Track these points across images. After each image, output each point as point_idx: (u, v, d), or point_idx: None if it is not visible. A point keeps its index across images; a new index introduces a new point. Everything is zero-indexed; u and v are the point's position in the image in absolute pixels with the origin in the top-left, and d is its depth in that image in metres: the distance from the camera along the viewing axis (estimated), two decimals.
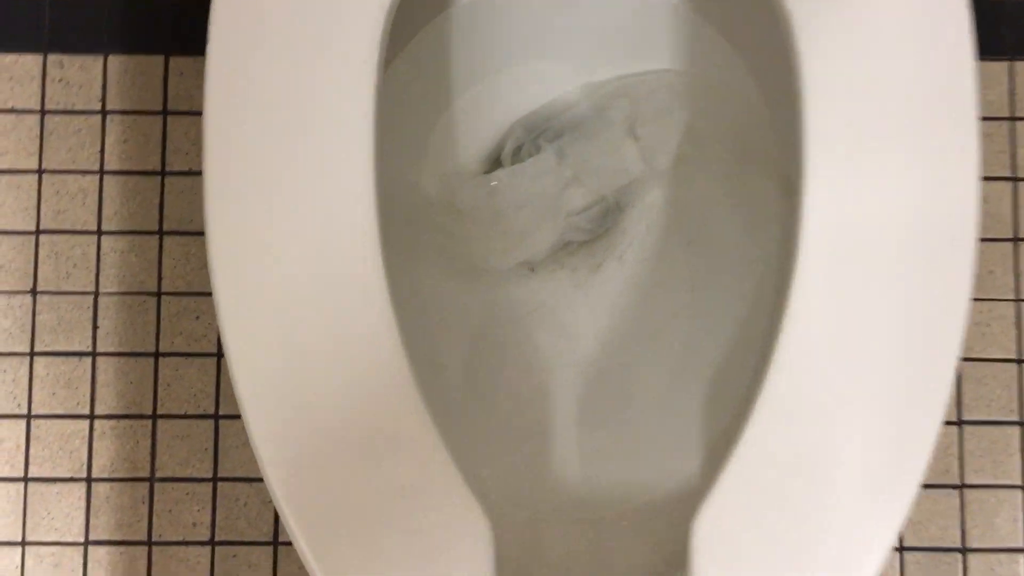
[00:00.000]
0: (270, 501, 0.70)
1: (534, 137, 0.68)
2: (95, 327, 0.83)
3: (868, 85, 0.54)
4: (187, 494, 0.82)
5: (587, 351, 0.66)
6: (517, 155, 0.68)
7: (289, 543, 0.78)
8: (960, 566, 0.83)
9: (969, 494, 0.84)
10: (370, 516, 0.51)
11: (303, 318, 0.52)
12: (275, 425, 0.51)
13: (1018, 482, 0.84)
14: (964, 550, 0.83)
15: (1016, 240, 0.86)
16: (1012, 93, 0.86)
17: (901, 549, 0.83)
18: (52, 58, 0.85)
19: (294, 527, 0.50)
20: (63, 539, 0.81)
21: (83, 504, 0.81)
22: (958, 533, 0.83)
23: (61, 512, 0.81)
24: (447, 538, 0.51)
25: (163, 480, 0.82)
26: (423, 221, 0.67)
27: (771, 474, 0.51)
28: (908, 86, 0.54)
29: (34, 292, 0.83)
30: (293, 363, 0.52)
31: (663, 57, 0.70)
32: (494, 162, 0.70)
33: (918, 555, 0.83)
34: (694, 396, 0.64)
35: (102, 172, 0.84)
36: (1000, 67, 0.87)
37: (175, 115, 0.85)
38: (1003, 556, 0.83)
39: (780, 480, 0.51)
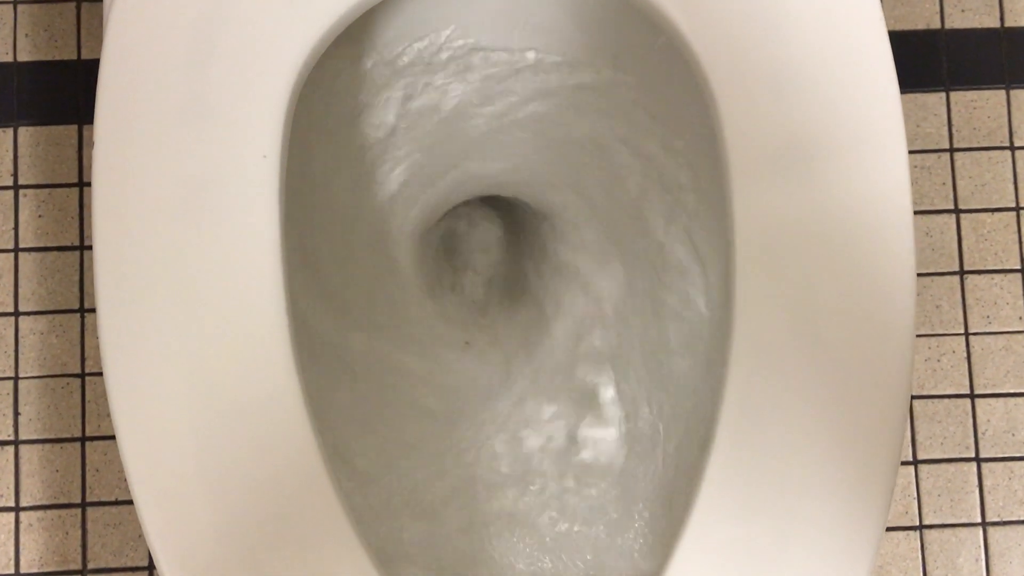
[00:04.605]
0: None
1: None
2: (16, 414, 0.79)
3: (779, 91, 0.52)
4: None
5: (522, 436, 0.63)
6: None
7: None
8: None
9: (929, 534, 0.82)
10: None
11: (207, 415, 0.49)
12: (180, 540, 0.48)
13: (977, 520, 0.82)
14: None
15: (962, 273, 0.84)
16: (950, 124, 0.85)
17: None
18: None
19: None
20: None
21: None
22: (920, 575, 0.82)
23: None
24: None
25: (96, 571, 0.78)
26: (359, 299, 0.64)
27: (717, 560, 0.50)
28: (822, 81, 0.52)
29: None
30: (202, 466, 0.49)
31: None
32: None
33: None
34: (646, 475, 0.61)
35: (17, 250, 0.81)
36: (937, 98, 0.85)
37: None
38: None
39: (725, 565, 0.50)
